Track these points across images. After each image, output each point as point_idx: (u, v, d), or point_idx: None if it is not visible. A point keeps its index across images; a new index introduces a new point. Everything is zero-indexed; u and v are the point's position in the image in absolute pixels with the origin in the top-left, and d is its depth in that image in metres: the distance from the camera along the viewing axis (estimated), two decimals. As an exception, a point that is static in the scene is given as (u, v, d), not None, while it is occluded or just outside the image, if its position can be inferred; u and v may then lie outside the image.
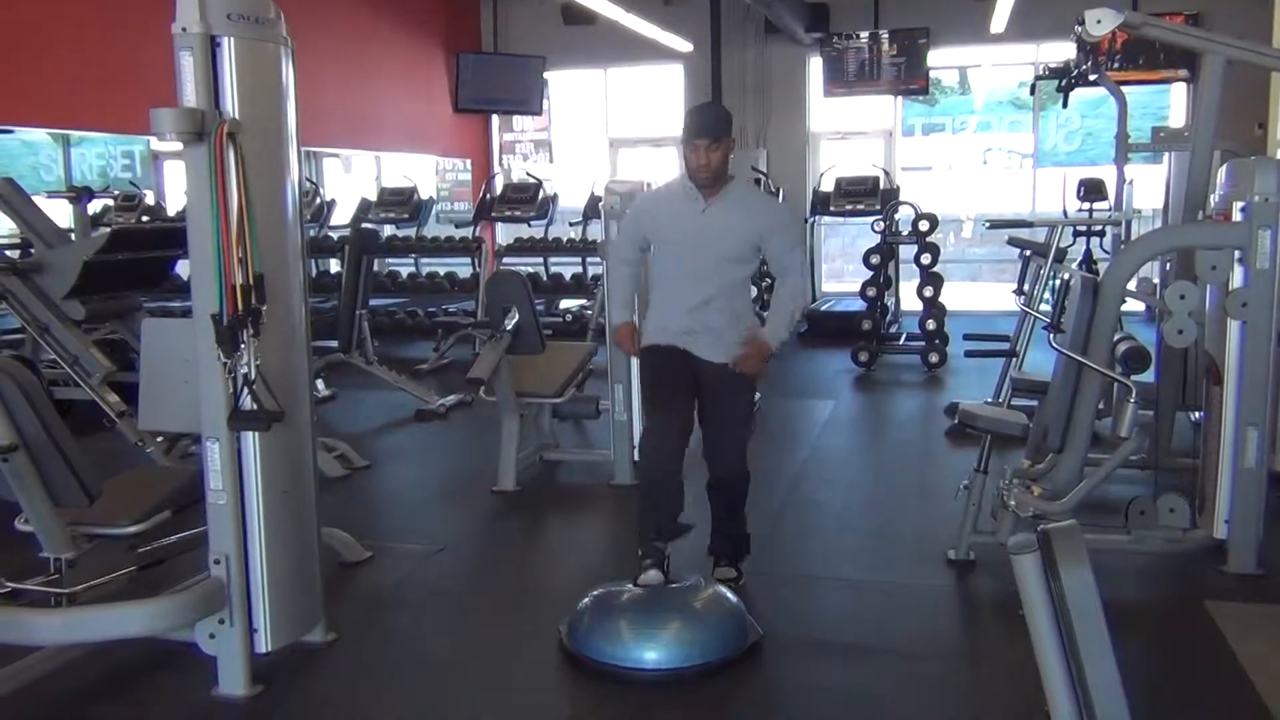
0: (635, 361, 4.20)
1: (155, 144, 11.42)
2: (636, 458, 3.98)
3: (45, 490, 3.04)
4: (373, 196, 11.12)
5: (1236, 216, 3.86)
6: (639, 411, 4.04)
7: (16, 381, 2.96)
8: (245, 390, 2.91)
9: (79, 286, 5.08)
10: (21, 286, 5.09)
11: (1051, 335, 4.00)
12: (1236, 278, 3.81)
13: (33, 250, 5.76)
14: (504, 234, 11.95)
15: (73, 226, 7.43)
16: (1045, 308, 5.70)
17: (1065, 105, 6.74)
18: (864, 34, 11.29)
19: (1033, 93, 10.39)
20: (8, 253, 5.60)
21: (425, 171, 12.63)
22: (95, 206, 9.13)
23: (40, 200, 6.36)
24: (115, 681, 3.24)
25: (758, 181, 10.39)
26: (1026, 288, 6.52)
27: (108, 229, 7.02)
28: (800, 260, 3.83)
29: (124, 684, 3.24)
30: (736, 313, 3.75)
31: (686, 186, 3.71)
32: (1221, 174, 4.30)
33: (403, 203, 10.94)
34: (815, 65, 11.69)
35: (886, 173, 10.84)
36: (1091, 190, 9.47)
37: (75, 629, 3.06)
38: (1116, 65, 10.17)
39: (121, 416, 5.02)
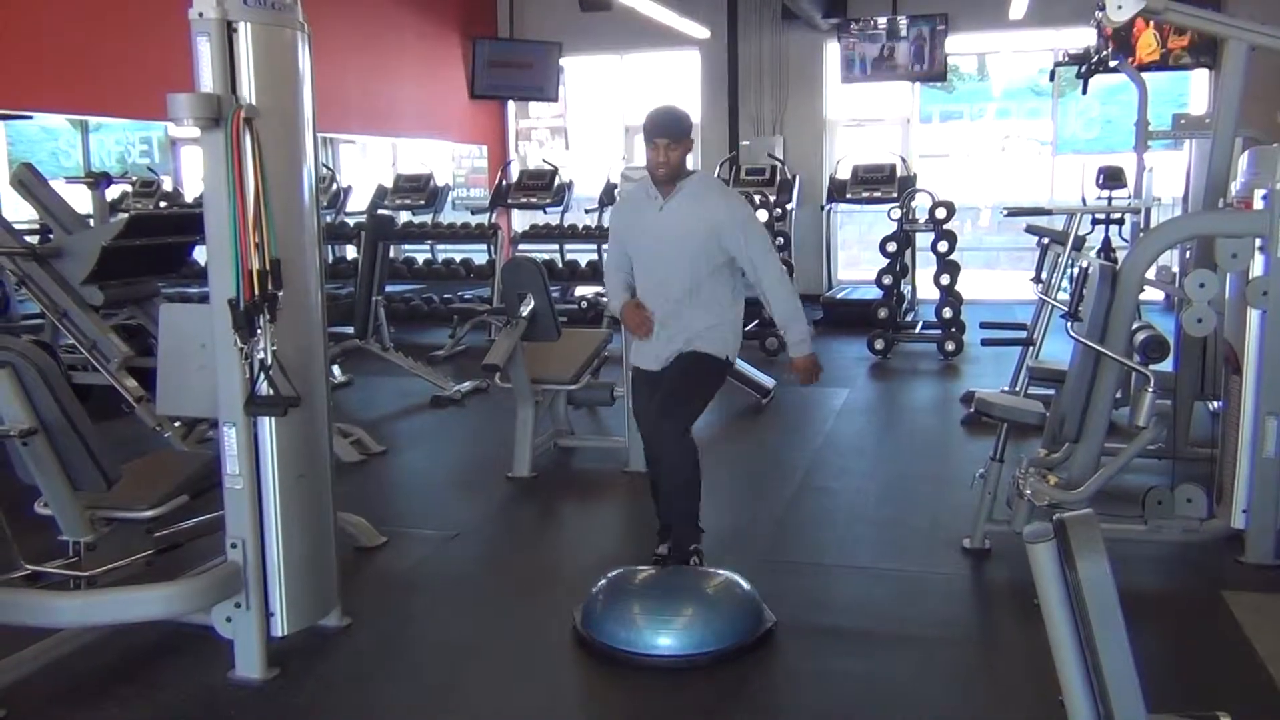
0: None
1: (173, 130, 11.47)
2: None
3: (64, 474, 3.07)
4: (389, 183, 11.12)
5: (1258, 204, 3.83)
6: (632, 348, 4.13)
7: (36, 366, 2.98)
8: (262, 375, 2.92)
9: (97, 272, 5.11)
10: (40, 272, 5.13)
11: (1069, 324, 3.98)
12: (1257, 266, 3.78)
13: (52, 236, 5.79)
14: (520, 220, 11.95)
15: (91, 212, 7.45)
16: (1063, 296, 5.67)
17: (1085, 92, 6.69)
18: (882, 20, 11.21)
19: (1052, 79, 10.31)
20: (27, 238, 5.63)
21: (441, 158, 12.63)
22: (114, 192, 9.18)
23: (59, 186, 6.40)
24: (133, 664, 3.27)
25: (774, 169, 10.37)
26: (1044, 276, 6.48)
27: (126, 214, 7.05)
28: (767, 259, 3.76)
29: (142, 666, 3.27)
30: (711, 310, 3.78)
31: (647, 186, 3.84)
32: (1243, 161, 4.25)
33: (419, 189, 10.94)
34: (832, 51, 11.62)
35: (904, 160, 10.77)
36: (1110, 178, 9.36)
37: (94, 611, 3.09)
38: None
39: (139, 401, 5.05)
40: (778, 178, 10.32)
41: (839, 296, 10.46)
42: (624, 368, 5.23)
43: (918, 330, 8.82)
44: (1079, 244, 6.10)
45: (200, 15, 2.84)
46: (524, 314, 5.15)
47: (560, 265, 10.42)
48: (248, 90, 2.88)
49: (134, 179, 10.73)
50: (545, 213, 10.81)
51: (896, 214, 8.54)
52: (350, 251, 9.93)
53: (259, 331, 2.89)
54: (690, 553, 3.77)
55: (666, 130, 3.70)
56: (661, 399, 3.75)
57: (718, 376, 3.87)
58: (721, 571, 3.55)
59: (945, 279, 8.24)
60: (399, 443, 6.01)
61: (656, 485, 3.91)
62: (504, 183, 10.92)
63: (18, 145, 11.97)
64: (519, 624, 3.59)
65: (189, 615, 3.09)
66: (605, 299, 9.18)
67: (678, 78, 12.33)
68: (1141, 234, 6.04)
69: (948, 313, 8.21)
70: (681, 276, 3.73)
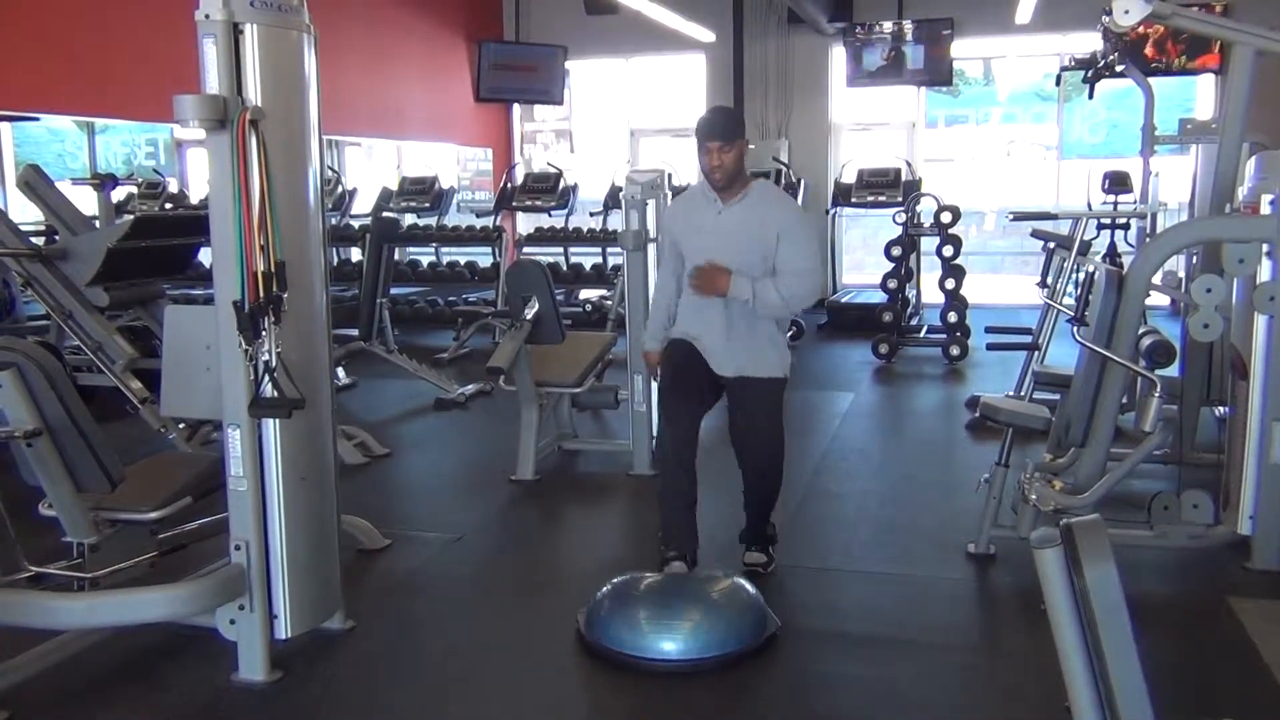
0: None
1: (179, 132, 11.50)
2: (655, 448, 4.01)
3: (68, 475, 3.07)
4: (394, 185, 11.15)
5: (1265, 209, 3.82)
6: (657, 403, 4.04)
7: (41, 367, 2.98)
8: (266, 377, 2.92)
9: (103, 273, 5.11)
10: (46, 273, 5.13)
11: (1075, 328, 3.97)
12: (1264, 271, 3.76)
13: (57, 237, 5.80)
14: (524, 223, 11.96)
15: (97, 214, 7.47)
16: (1068, 301, 5.66)
17: (1091, 96, 6.68)
18: (887, 24, 11.21)
19: (1058, 84, 10.30)
20: (33, 239, 5.64)
21: (446, 160, 12.65)
22: (119, 194, 9.22)
23: (65, 187, 6.40)
24: (137, 666, 3.27)
25: (779, 173, 10.37)
26: (1050, 280, 6.47)
27: (131, 216, 7.06)
28: (803, 261, 3.69)
29: (145, 668, 3.26)
30: (759, 320, 3.74)
31: (704, 189, 3.79)
32: (1250, 166, 4.24)
33: (424, 192, 10.97)
34: (838, 55, 11.62)
35: (909, 164, 10.77)
36: (1116, 183, 9.39)
37: (97, 613, 3.08)
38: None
39: (144, 403, 5.05)
40: (783, 181, 10.31)
41: (844, 300, 10.45)
42: (628, 371, 5.23)
43: (922, 335, 8.81)
44: (1084, 249, 6.10)
45: (206, 17, 2.84)
46: (528, 317, 5.14)
47: (565, 268, 10.44)
48: (253, 92, 2.88)
49: (140, 181, 10.78)
50: (550, 216, 10.83)
51: (901, 218, 8.54)
52: (355, 254, 9.96)
53: (263, 333, 2.89)
54: (772, 539, 3.97)
55: (717, 133, 3.64)
56: (756, 425, 3.80)
57: (780, 393, 3.88)
58: (726, 576, 3.54)
59: (950, 283, 8.23)
60: (403, 445, 6.01)
61: (674, 474, 3.75)
62: (509, 186, 10.94)
63: (24, 147, 12.01)
64: (522, 627, 3.58)
65: (193, 617, 3.09)
66: (610, 299, 9.30)
67: (683, 81, 12.34)
68: (1147, 239, 6.02)
69: (953, 317, 8.20)
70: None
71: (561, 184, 10.68)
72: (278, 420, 3.01)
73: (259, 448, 3.04)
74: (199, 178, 11.56)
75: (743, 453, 3.88)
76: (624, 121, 12.86)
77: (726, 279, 3.64)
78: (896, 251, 8.45)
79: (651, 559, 3.81)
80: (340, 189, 10.84)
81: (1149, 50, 10.25)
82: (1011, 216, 7.06)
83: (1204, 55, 10.31)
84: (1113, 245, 9.14)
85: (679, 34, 10.87)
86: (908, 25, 11.18)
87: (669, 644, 3.18)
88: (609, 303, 9.48)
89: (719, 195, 3.73)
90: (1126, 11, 3.97)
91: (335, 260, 9.94)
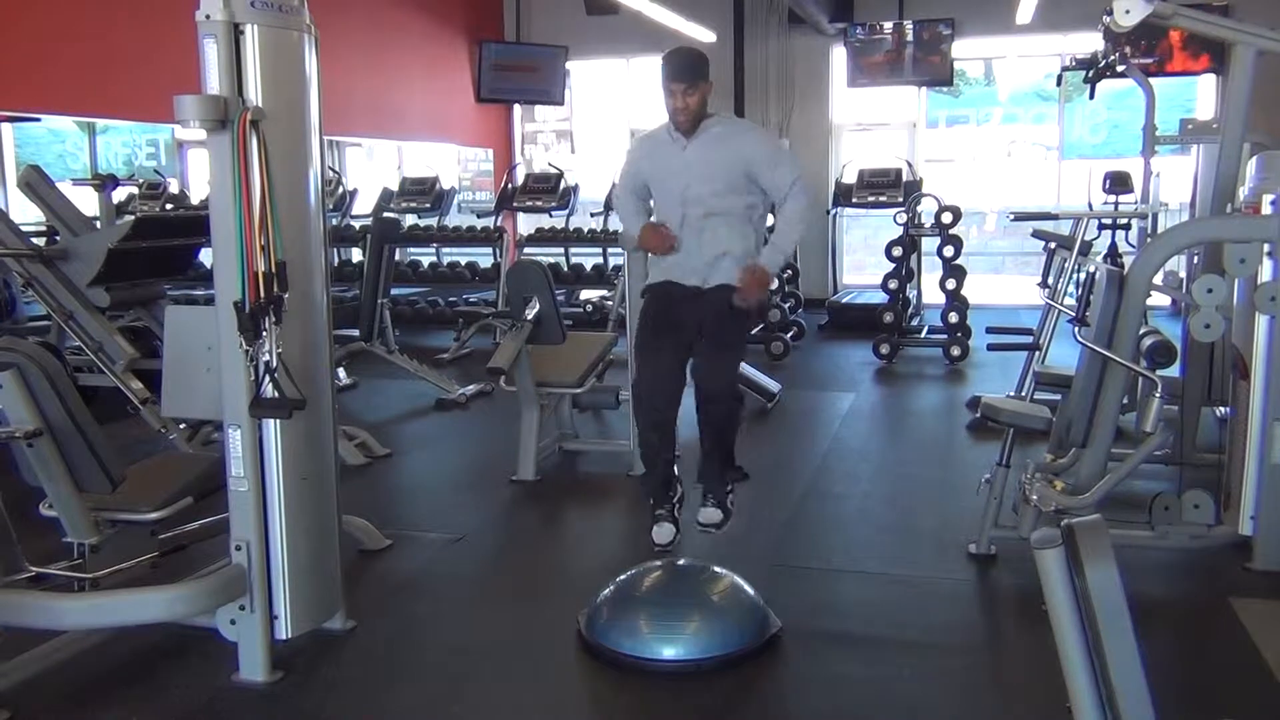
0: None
1: (179, 132, 11.50)
2: (632, 403, 3.94)
3: (69, 476, 3.07)
4: (395, 186, 11.15)
5: (1266, 209, 3.81)
6: (632, 356, 3.96)
7: (42, 368, 2.98)
8: (267, 378, 2.92)
9: (103, 274, 5.12)
10: (47, 273, 5.13)
11: (1076, 328, 3.97)
12: (1265, 271, 3.76)
13: (58, 238, 5.81)
14: (525, 224, 11.96)
15: (98, 214, 7.47)
16: (1069, 301, 5.66)
17: (1092, 97, 6.67)
18: (888, 24, 11.20)
19: (1059, 84, 10.29)
20: (34, 240, 5.64)
21: (447, 161, 12.65)
22: (120, 194, 9.22)
23: (66, 188, 6.40)
24: (138, 666, 3.27)
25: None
26: (1051, 281, 6.47)
27: (132, 217, 7.06)
28: (793, 181, 3.69)
29: (146, 669, 3.26)
30: (738, 239, 3.71)
31: (669, 130, 3.75)
32: (1251, 166, 4.24)
33: (424, 192, 10.96)
34: (839, 56, 11.61)
35: (909, 164, 10.77)
36: (1117, 183, 9.37)
37: (98, 613, 3.09)
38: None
39: (145, 403, 5.05)
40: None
41: (844, 301, 10.45)
42: (628, 371, 5.22)
43: (923, 335, 8.80)
44: (1085, 249, 6.09)
45: (207, 17, 2.84)
46: (529, 317, 5.14)
47: (565, 269, 10.44)
48: (254, 92, 2.88)
49: (140, 181, 10.77)
50: (551, 216, 10.82)
51: (902, 218, 8.54)
52: (356, 254, 9.95)
53: (264, 334, 2.88)
54: (730, 491, 3.80)
55: (683, 74, 3.60)
56: (719, 344, 3.67)
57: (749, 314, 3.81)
58: (727, 576, 3.53)
59: (951, 284, 8.23)
60: (403, 446, 6.01)
61: (653, 428, 3.72)
62: (510, 186, 10.93)
63: (25, 148, 12.01)
64: (523, 628, 3.58)
65: (193, 618, 3.10)
66: (610, 299, 9.30)
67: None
68: (1148, 239, 6.02)
69: (953, 317, 8.20)
70: (702, 209, 3.67)
71: (562, 184, 10.67)
72: (278, 421, 3.01)
73: (260, 448, 3.04)
74: (200, 178, 11.56)
75: (700, 374, 3.71)
76: (624, 122, 12.86)
77: (765, 274, 3.66)
78: (897, 252, 8.45)
79: (651, 558, 3.81)
80: (341, 189, 10.84)
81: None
82: (1012, 217, 7.05)
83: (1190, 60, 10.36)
84: (1114, 245, 9.12)
85: (680, 34, 10.85)
86: (908, 25, 11.17)
87: (670, 645, 3.18)
88: (610, 303, 9.47)
89: (683, 135, 3.70)
90: (1127, 11, 3.97)
91: (336, 261, 9.93)
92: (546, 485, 5.18)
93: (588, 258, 10.66)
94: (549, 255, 10.36)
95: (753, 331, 3.81)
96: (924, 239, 8.73)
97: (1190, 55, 10.30)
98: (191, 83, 2.88)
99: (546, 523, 4.87)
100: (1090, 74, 6.36)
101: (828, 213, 11.02)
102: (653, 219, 3.88)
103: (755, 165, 3.68)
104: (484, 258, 10.61)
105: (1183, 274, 5.55)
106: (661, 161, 3.80)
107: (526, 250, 10.35)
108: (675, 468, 3.82)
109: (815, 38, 11.54)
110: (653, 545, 3.73)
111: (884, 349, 8.30)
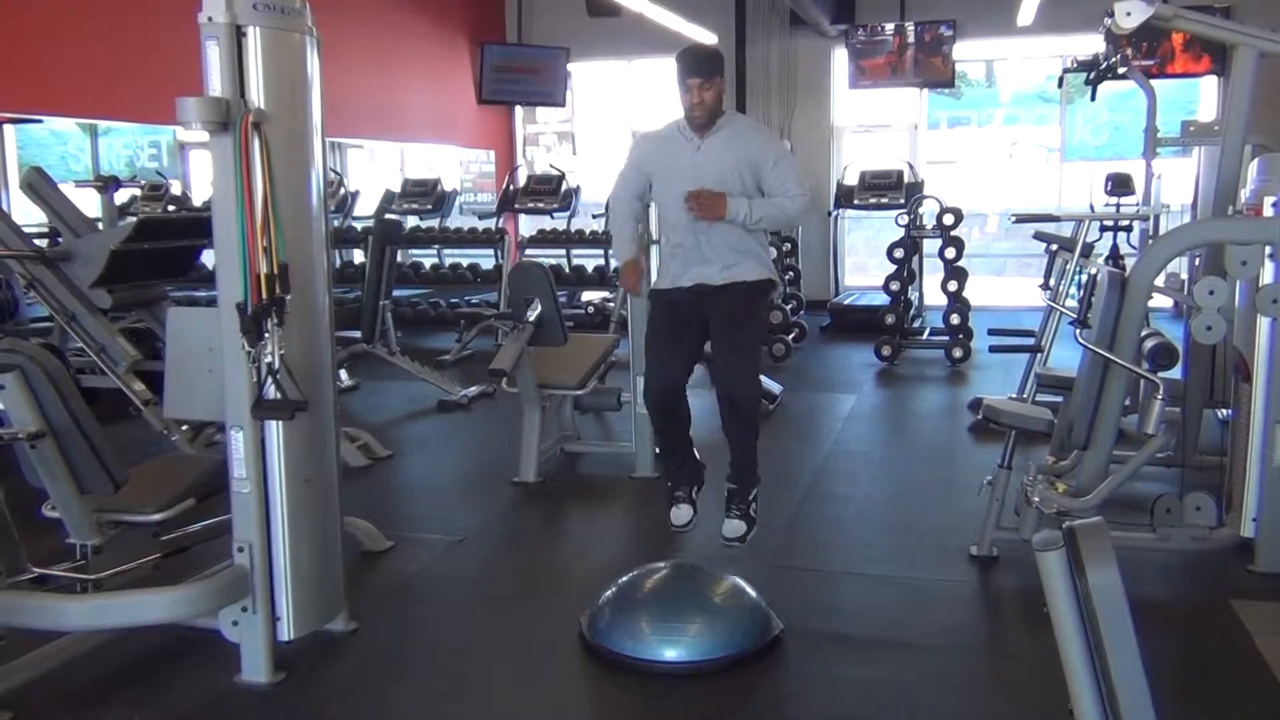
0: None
1: (182, 134, 11.52)
2: (643, 399, 3.98)
3: (72, 477, 3.07)
4: (396, 187, 11.15)
5: (1268, 211, 3.82)
6: (645, 349, 4.01)
7: (44, 369, 2.98)
8: (269, 379, 2.92)
9: (106, 275, 5.12)
10: (49, 275, 5.14)
11: (1078, 330, 3.97)
12: (1267, 273, 3.76)
13: (60, 239, 5.81)
14: (527, 226, 11.96)
15: (100, 216, 7.48)
16: (1071, 303, 5.66)
17: (1093, 98, 6.67)
18: (889, 26, 11.20)
19: (1060, 86, 10.29)
20: (36, 242, 5.64)
21: (449, 163, 12.66)
22: (122, 196, 9.22)
23: (68, 190, 6.41)
24: (140, 667, 3.27)
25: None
26: (1052, 283, 6.47)
27: (134, 218, 7.07)
28: (793, 186, 3.73)
29: (148, 670, 3.27)
30: (744, 239, 3.75)
31: (681, 126, 3.79)
32: (1253, 168, 4.24)
33: (426, 194, 10.97)
34: (840, 57, 11.61)
35: (911, 166, 10.76)
36: (1119, 185, 9.38)
37: (100, 615, 3.09)
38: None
39: (147, 405, 5.06)
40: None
41: (846, 303, 10.44)
42: (630, 373, 5.23)
43: (925, 337, 8.80)
44: (1087, 251, 6.09)
45: (210, 19, 2.84)
46: (531, 319, 5.15)
47: (567, 270, 10.44)
48: (256, 94, 2.89)
49: (142, 183, 10.76)
50: (552, 218, 10.82)
51: (904, 220, 8.54)
52: (358, 256, 9.96)
53: (266, 335, 2.89)
54: (753, 500, 3.81)
55: (699, 69, 3.64)
56: (736, 346, 3.70)
57: (766, 299, 3.89)
58: (729, 578, 3.54)
59: (953, 285, 8.23)
60: (405, 447, 6.02)
61: (668, 438, 3.85)
62: (511, 188, 10.94)
63: (27, 149, 12.02)
64: (525, 629, 3.58)
65: (196, 619, 3.10)
66: (612, 301, 9.30)
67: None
68: (1150, 241, 6.01)
69: (955, 319, 8.20)
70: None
71: (564, 186, 10.68)
72: (280, 422, 3.02)
73: (262, 450, 3.04)
74: (202, 180, 11.57)
75: (719, 378, 3.78)
76: (626, 123, 12.86)
77: (724, 200, 3.66)
78: (899, 254, 8.45)
79: (654, 560, 3.81)
80: (343, 191, 10.84)
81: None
82: (1014, 218, 7.05)
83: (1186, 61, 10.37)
84: (1115, 247, 9.13)
85: (681, 36, 10.85)
86: (910, 27, 11.17)
87: (672, 647, 3.18)
88: (611, 305, 9.48)
89: (696, 133, 3.73)
90: (1129, 13, 3.98)
91: (338, 262, 9.94)
92: (548, 487, 5.18)
93: (589, 259, 10.66)
94: (551, 257, 10.35)
95: (766, 322, 3.85)
96: (925, 241, 8.73)
97: (1192, 57, 10.30)
98: (194, 85, 2.88)
99: (548, 524, 4.87)
100: (1092, 76, 6.37)
101: (829, 214, 11.02)
102: (653, 217, 3.90)
103: (761, 166, 3.72)
104: (486, 259, 10.61)
105: (1184, 276, 5.55)
106: (670, 160, 3.81)
107: (528, 252, 10.35)
108: (695, 451, 3.90)
109: (816, 39, 11.54)
110: (670, 526, 3.83)
111: (886, 351, 8.30)
